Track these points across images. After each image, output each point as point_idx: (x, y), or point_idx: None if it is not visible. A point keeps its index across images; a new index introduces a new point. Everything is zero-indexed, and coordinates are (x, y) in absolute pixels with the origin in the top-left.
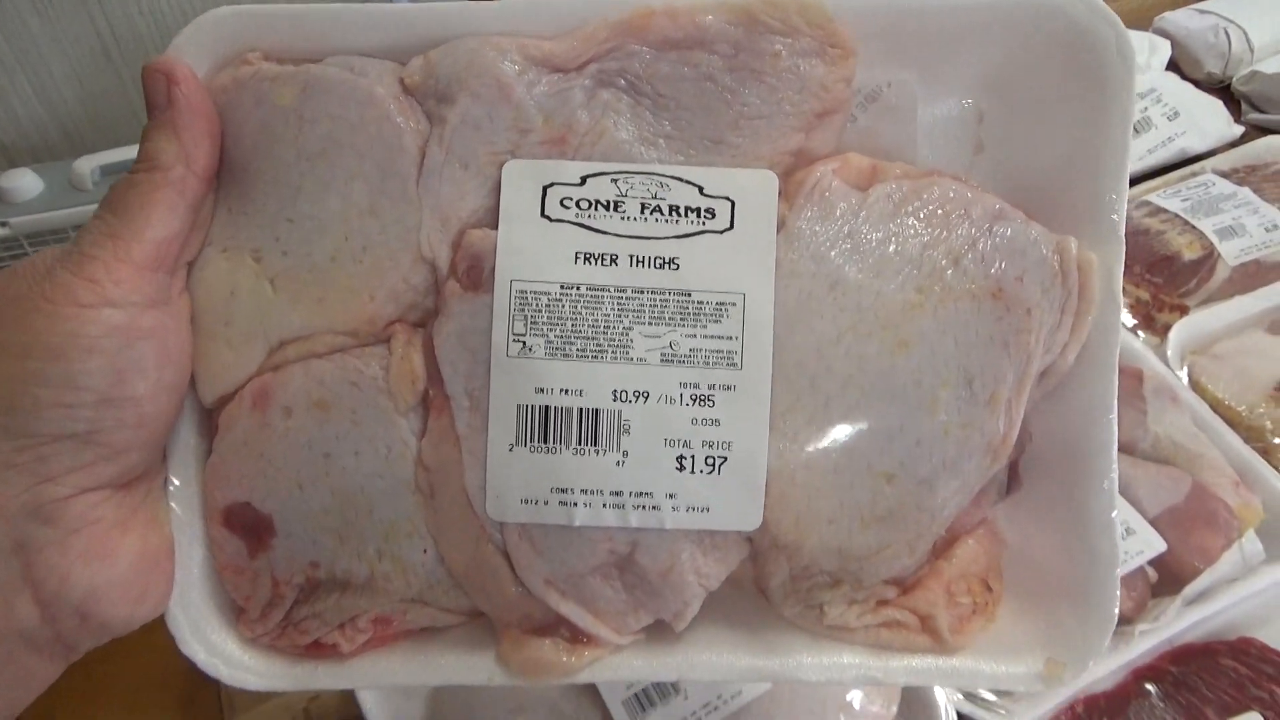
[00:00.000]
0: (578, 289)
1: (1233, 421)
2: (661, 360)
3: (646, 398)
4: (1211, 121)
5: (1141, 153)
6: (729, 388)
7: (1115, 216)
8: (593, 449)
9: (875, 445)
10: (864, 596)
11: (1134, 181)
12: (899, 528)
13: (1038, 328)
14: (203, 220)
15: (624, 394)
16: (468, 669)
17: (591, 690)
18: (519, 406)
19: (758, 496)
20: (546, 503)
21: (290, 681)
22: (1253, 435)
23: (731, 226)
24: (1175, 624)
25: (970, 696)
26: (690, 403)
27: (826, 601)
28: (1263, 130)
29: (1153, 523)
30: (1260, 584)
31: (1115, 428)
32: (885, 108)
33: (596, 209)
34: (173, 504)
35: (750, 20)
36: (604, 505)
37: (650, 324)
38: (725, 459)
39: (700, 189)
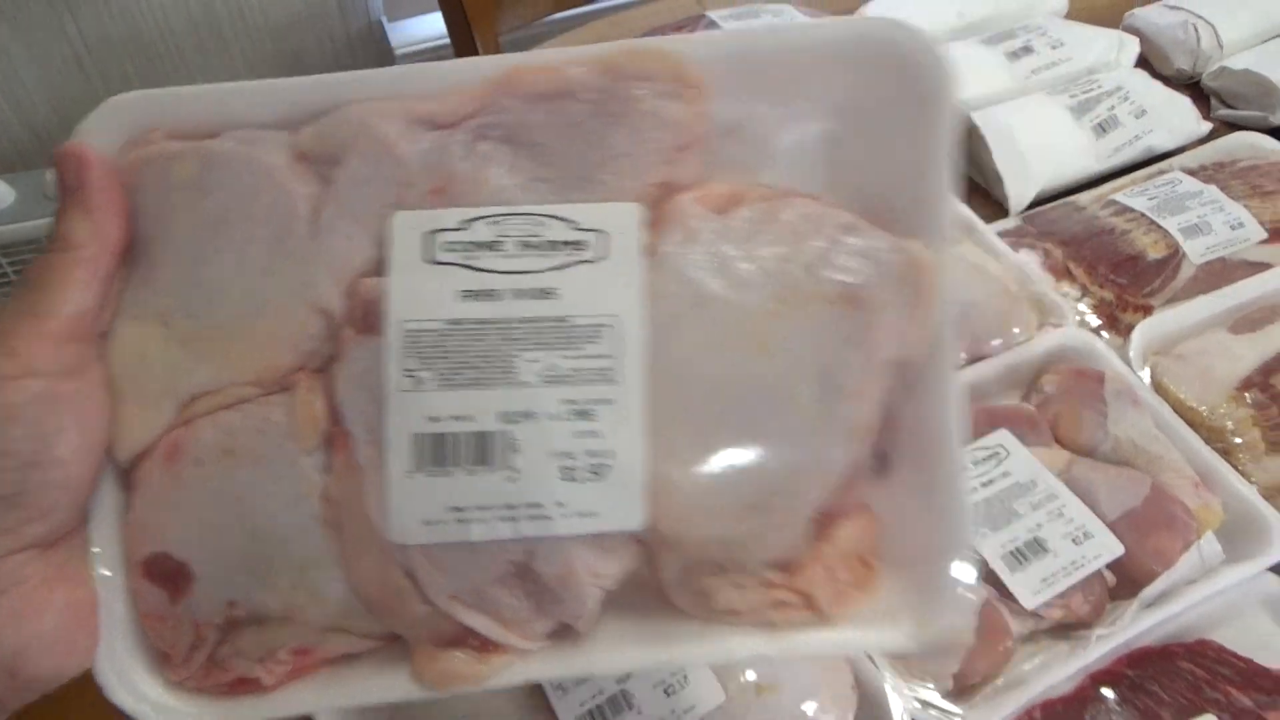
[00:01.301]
0: (463, 324)
1: (1194, 423)
2: (544, 381)
3: (532, 417)
4: (1179, 119)
5: (1109, 151)
6: (608, 401)
7: (944, 220)
8: (484, 468)
9: (746, 442)
10: (749, 581)
11: (1102, 180)
12: (773, 514)
13: (886, 325)
14: (115, 292)
15: (511, 415)
16: (385, 688)
17: (546, 707)
18: (413, 435)
19: (640, 498)
20: (445, 523)
21: (216, 719)
22: (1214, 436)
23: (605, 256)
24: (1132, 627)
25: (925, 704)
26: (572, 417)
27: (715, 589)
28: (1232, 126)
29: (1111, 526)
30: (1218, 585)
31: (958, 409)
32: (745, 138)
33: (478, 250)
34: (95, 559)
35: (613, 70)
36: (499, 519)
37: (532, 349)
38: (608, 466)
39: (574, 224)
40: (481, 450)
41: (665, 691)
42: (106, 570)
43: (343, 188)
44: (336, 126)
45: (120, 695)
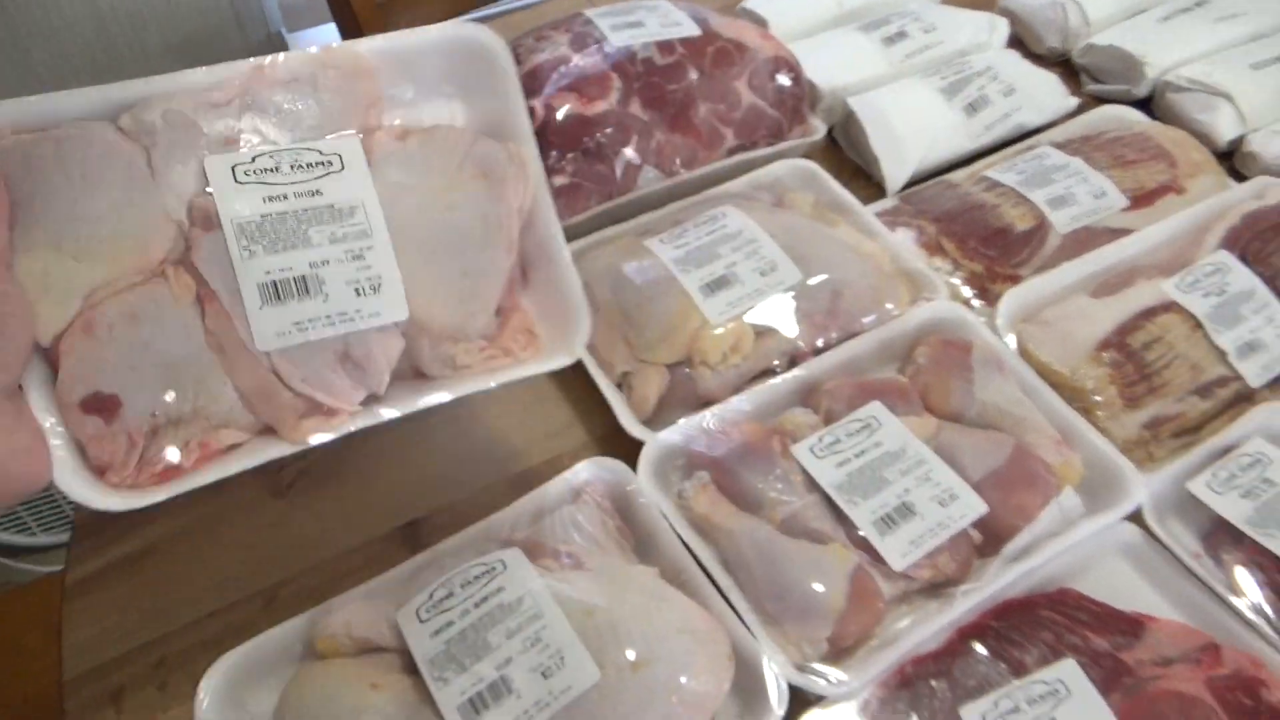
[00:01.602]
0: (270, 215)
1: (1057, 384)
2: (330, 241)
3: (328, 262)
4: (1047, 95)
5: (980, 130)
6: (370, 247)
7: (525, 133)
8: (307, 297)
9: (453, 260)
10: (471, 347)
11: (976, 157)
12: (476, 303)
13: (510, 189)
14: (10, 238)
15: (315, 263)
16: (265, 454)
17: (429, 700)
18: (257, 284)
19: (402, 301)
20: (290, 333)
21: (150, 499)
22: (1075, 396)
23: (344, 169)
24: (997, 581)
25: (801, 668)
26: (352, 259)
27: (453, 353)
28: (1101, 100)
29: (976, 486)
30: (1078, 536)
31: (558, 232)
32: (410, 101)
33: (265, 173)
34: (37, 409)
35: (318, 63)
36: (323, 325)
37: (317, 225)
38: (380, 283)
39: (321, 152)
40: (303, 286)
41: (543, 674)
42: (46, 418)
43: (164, 148)
44: (149, 112)
45: (82, 493)
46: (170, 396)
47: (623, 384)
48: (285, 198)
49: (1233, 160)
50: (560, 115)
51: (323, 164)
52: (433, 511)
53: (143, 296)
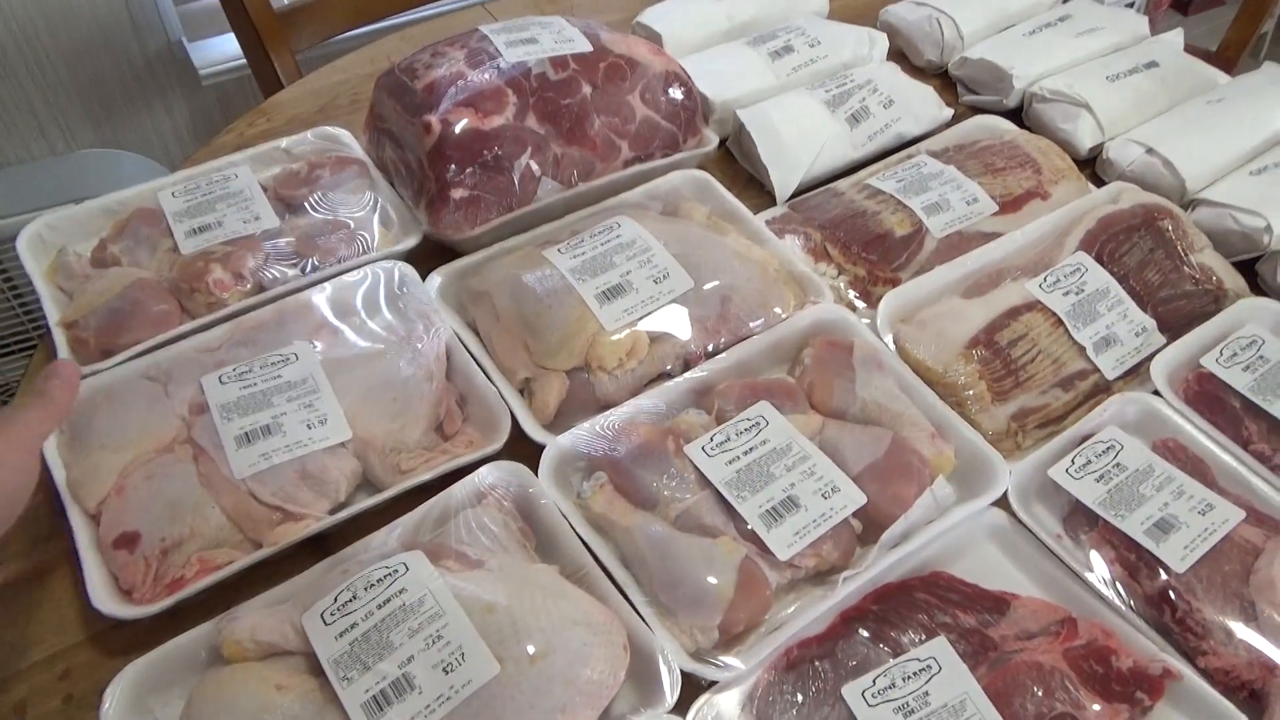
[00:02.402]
0: (244, 396)
1: (932, 381)
2: (287, 401)
3: (286, 413)
4: (924, 106)
5: (863, 139)
6: (318, 397)
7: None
8: (271, 436)
9: (385, 393)
10: (413, 453)
11: (858, 167)
12: (407, 417)
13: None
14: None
15: (276, 416)
16: (248, 560)
17: (334, 699)
18: (234, 436)
19: (345, 426)
20: (258, 463)
21: (164, 605)
22: (948, 391)
23: (298, 359)
24: (876, 567)
25: (694, 655)
26: (304, 408)
27: (397, 460)
28: (975, 110)
29: (855, 479)
30: (950, 522)
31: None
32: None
33: (243, 374)
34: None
35: (278, 310)
36: (283, 451)
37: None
38: (326, 418)
39: (280, 352)
40: (267, 431)
41: (444, 669)
42: (86, 555)
43: (175, 379)
44: (162, 362)
45: (112, 608)
46: (173, 524)
47: (524, 390)
48: (255, 384)
49: (1094, 167)
50: (457, 129)
51: (282, 359)
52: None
53: (156, 463)
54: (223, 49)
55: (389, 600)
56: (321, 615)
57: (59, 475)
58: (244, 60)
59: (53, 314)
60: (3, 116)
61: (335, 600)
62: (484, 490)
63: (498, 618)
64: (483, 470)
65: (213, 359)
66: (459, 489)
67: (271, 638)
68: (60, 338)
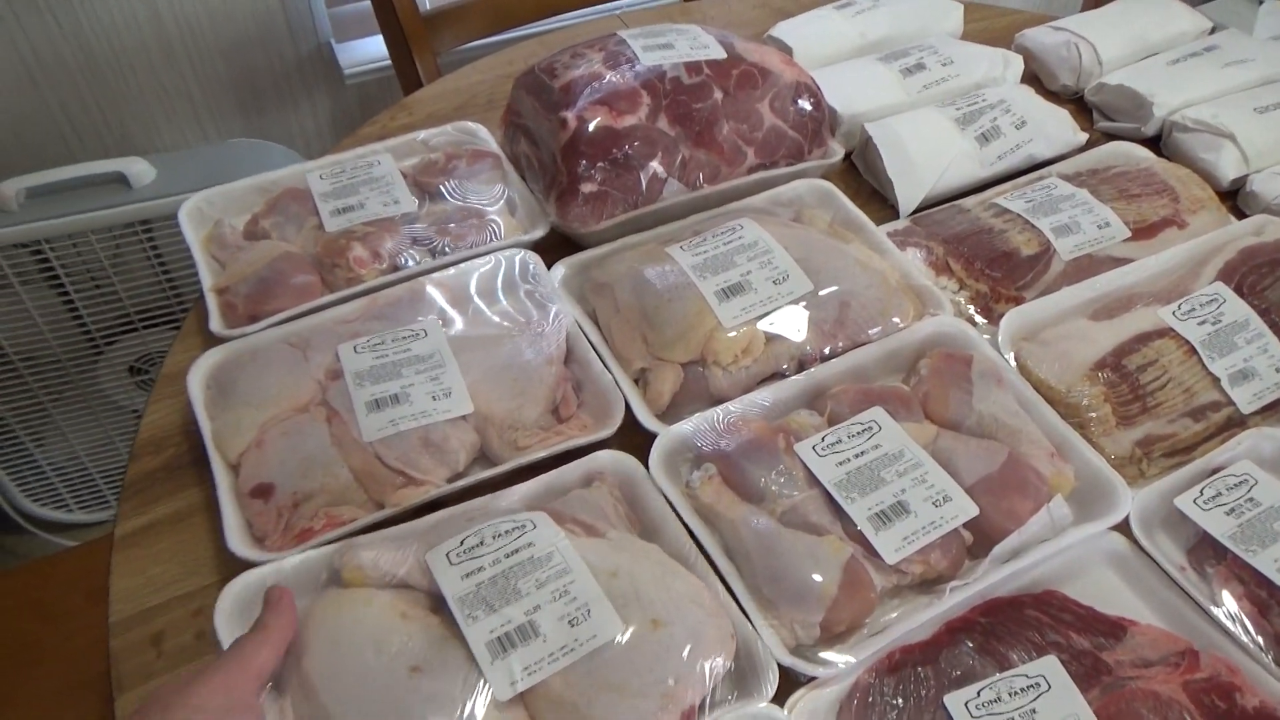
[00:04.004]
0: (376, 366)
1: (1053, 400)
2: (415, 374)
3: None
4: (1058, 129)
5: (992, 159)
6: (444, 371)
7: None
8: (398, 405)
9: (506, 372)
10: (529, 431)
11: (985, 186)
12: (525, 397)
13: (546, 341)
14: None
15: (404, 386)
16: (370, 518)
17: (458, 636)
18: (364, 402)
19: (467, 400)
20: (385, 428)
21: (299, 550)
22: (1070, 412)
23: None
24: (985, 580)
25: (794, 651)
26: (430, 380)
27: (516, 436)
28: (1110, 137)
29: (969, 491)
30: (1066, 542)
31: (589, 349)
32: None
33: (376, 345)
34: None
35: (407, 289)
36: (409, 420)
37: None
38: (449, 391)
39: (410, 328)
40: (395, 400)
41: (569, 623)
42: (225, 502)
43: (315, 347)
44: (302, 330)
45: (250, 554)
46: (305, 479)
47: (640, 380)
48: (387, 355)
49: (1236, 199)
50: (591, 127)
51: (412, 334)
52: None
53: (292, 422)
54: (366, 50)
55: (517, 551)
56: (447, 555)
57: (205, 427)
58: (385, 62)
59: (207, 280)
60: (165, 104)
61: (462, 544)
62: (594, 474)
63: (620, 582)
64: (594, 455)
65: (349, 330)
66: (571, 469)
67: (393, 569)
68: (212, 301)
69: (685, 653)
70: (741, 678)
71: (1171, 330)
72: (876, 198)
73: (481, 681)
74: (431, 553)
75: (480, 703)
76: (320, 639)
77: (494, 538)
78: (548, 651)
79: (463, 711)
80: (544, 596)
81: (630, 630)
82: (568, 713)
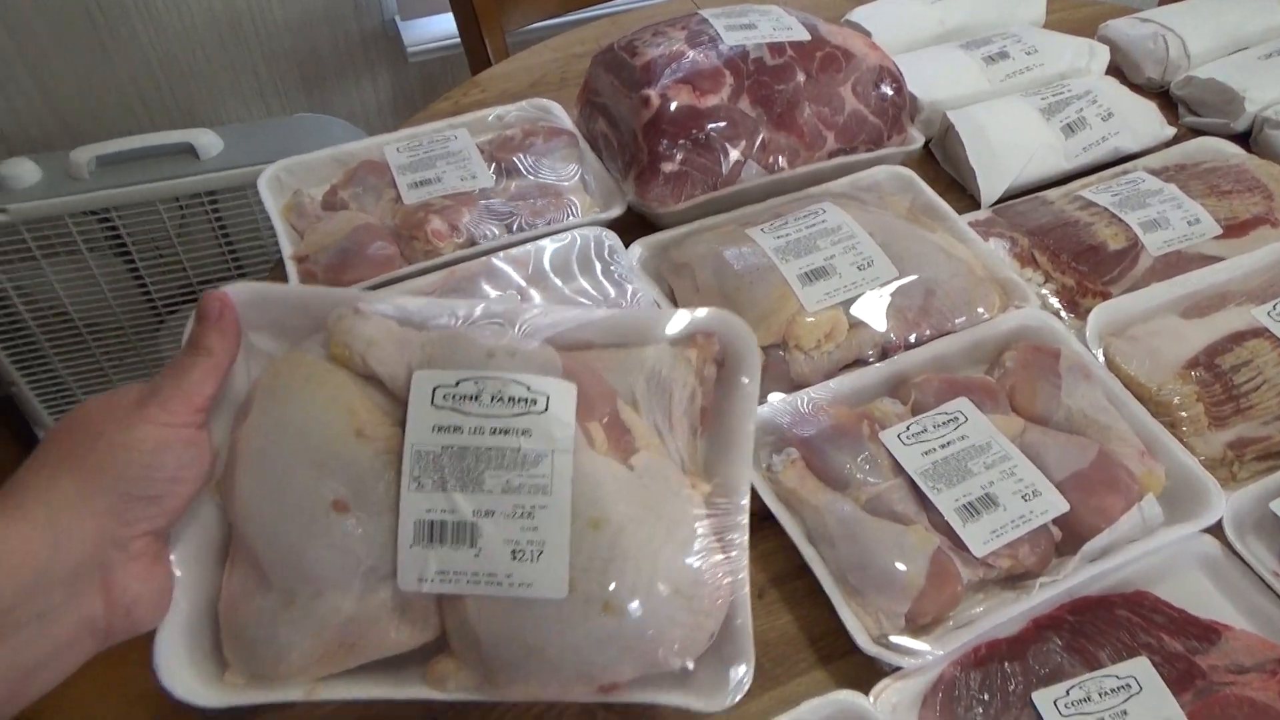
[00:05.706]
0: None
1: (1143, 397)
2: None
3: (493, 514)
4: (1145, 123)
5: (1077, 150)
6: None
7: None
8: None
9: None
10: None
11: (1070, 178)
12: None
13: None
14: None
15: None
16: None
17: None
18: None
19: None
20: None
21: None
22: (1160, 410)
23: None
24: (1075, 577)
25: (878, 640)
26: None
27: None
28: (1197, 132)
29: (1058, 486)
30: (1157, 543)
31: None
32: None
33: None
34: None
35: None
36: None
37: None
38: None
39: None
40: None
41: (514, 553)
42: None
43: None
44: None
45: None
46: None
47: None
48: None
49: None
50: (673, 106)
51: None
52: None
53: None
54: (430, 29)
55: (508, 429)
56: (434, 389)
57: None
58: (448, 40)
59: (286, 248)
60: (232, 78)
61: (457, 385)
62: None
63: (600, 535)
64: None
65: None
66: None
67: (380, 369)
68: (292, 269)
69: (633, 645)
70: None
71: (1267, 330)
72: (955, 188)
73: (391, 561)
74: (423, 372)
75: (383, 588)
76: (265, 418)
77: (492, 399)
78: (470, 570)
79: (360, 583)
80: (508, 504)
81: (576, 600)
82: (469, 648)
